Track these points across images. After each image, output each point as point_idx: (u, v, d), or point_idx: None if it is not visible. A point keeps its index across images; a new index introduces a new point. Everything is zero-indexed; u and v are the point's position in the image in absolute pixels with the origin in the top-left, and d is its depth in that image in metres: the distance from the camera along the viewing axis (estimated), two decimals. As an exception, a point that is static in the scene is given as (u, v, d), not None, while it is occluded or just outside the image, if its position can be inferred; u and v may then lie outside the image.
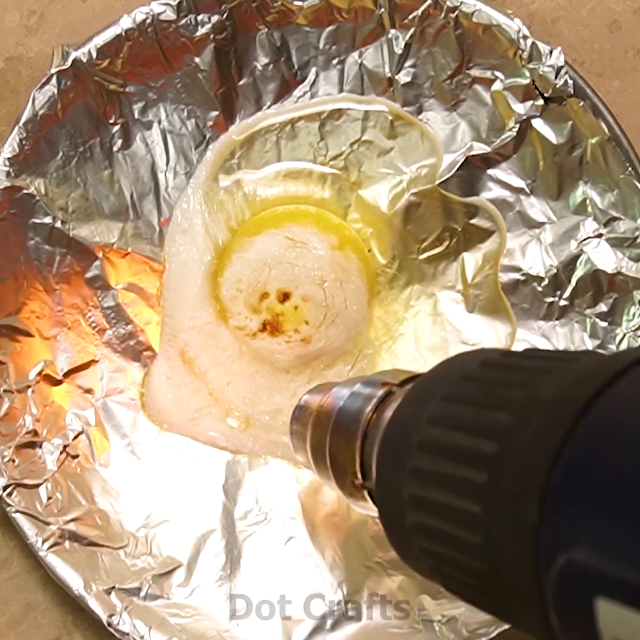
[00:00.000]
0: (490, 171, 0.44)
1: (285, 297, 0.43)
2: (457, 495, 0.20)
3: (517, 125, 0.42)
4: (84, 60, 0.41)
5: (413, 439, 0.23)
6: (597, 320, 0.42)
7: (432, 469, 0.22)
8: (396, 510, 0.24)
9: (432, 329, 0.45)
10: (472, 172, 0.44)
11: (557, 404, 0.18)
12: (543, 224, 0.43)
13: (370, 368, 0.45)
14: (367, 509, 0.31)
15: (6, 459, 0.41)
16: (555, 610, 0.17)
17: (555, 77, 0.41)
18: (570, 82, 0.41)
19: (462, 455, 0.20)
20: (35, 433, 0.42)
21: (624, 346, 0.42)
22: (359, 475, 0.29)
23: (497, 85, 0.42)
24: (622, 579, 0.15)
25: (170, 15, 0.42)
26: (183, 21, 0.42)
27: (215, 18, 0.42)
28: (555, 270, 0.43)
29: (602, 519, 0.16)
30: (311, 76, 0.45)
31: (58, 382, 0.43)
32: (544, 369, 0.20)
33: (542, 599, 0.17)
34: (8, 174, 0.41)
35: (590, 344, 0.42)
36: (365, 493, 0.30)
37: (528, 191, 0.43)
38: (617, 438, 0.16)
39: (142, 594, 0.40)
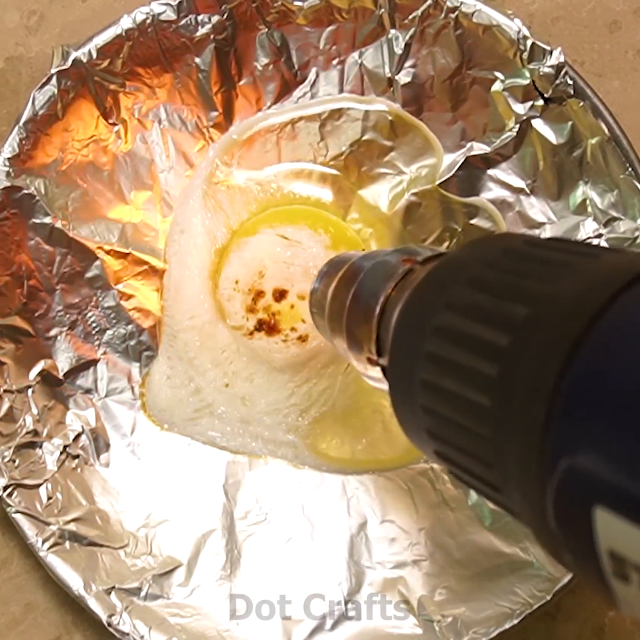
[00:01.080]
0: (490, 171, 0.44)
1: (281, 295, 0.43)
2: (468, 385, 0.20)
3: (517, 126, 0.42)
4: (84, 60, 0.41)
5: (429, 323, 0.22)
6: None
7: (445, 356, 0.21)
8: (407, 391, 0.23)
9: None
10: (472, 172, 0.44)
11: (574, 302, 0.17)
12: (543, 224, 0.43)
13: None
14: (380, 385, 0.30)
15: (6, 459, 0.41)
16: (555, 514, 0.17)
17: (555, 78, 0.41)
18: (570, 82, 0.41)
19: (476, 346, 0.20)
20: (35, 433, 0.42)
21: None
22: (374, 352, 0.29)
23: (497, 86, 0.42)
24: (621, 489, 0.15)
25: (170, 15, 0.42)
26: (183, 21, 0.42)
27: (215, 18, 0.42)
28: (555, 271, 0.43)
29: (608, 427, 0.15)
30: (311, 76, 0.45)
31: (58, 382, 0.43)
32: (565, 263, 0.19)
33: (543, 501, 0.17)
34: (8, 174, 0.41)
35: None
36: (379, 369, 0.29)
37: (528, 191, 0.43)
38: (634, 344, 0.16)
39: (142, 593, 0.40)
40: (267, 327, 0.43)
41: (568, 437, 0.16)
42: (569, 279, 0.18)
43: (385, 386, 0.29)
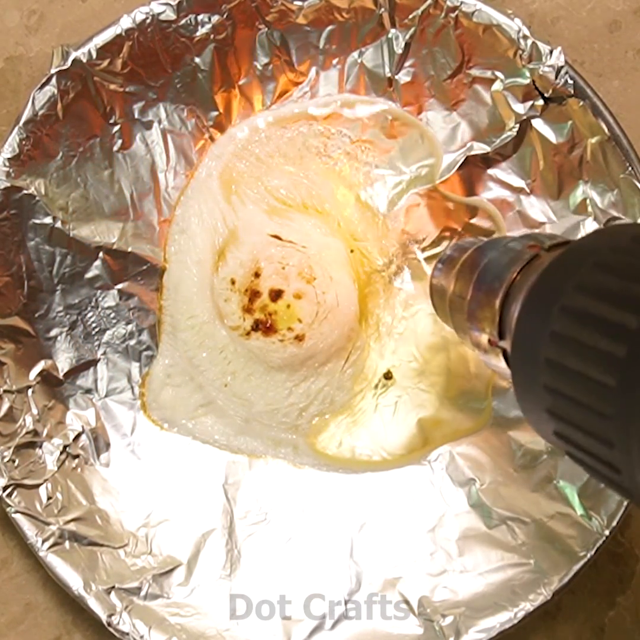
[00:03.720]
0: (490, 171, 0.44)
1: (277, 295, 0.43)
2: (594, 365, 0.20)
3: (517, 125, 0.42)
4: (84, 60, 0.41)
5: (557, 304, 0.23)
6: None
7: (572, 336, 0.22)
8: (530, 372, 0.24)
9: (433, 328, 0.45)
10: (472, 172, 0.44)
11: None
12: (543, 223, 0.43)
13: (362, 361, 0.45)
14: (498, 366, 0.30)
15: (6, 459, 0.41)
16: None
17: (556, 77, 0.41)
18: (570, 82, 0.41)
19: (604, 327, 0.20)
20: (35, 433, 0.42)
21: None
22: (496, 334, 0.29)
23: (497, 85, 0.42)
24: None
25: (170, 15, 0.42)
26: (183, 21, 0.42)
27: (215, 18, 0.42)
28: (555, 270, 0.43)
29: None
30: (311, 76, 0.45)
31: (58, 382, 0.43)
32: None
33: None
34: (8, 174, 0.41)
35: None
36: (500, 352, 0.29)
37: (528, 191, 0.43)
38: None
39: (142, 593, 0.40)
40: (264, 327, 0.43)
41: None
42: None
43: (502, 366, 0.29)
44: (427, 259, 0.45)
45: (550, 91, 0.41)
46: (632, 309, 0.20)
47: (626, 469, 0.19)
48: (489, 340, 0.30)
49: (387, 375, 0.45)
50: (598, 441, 0.21)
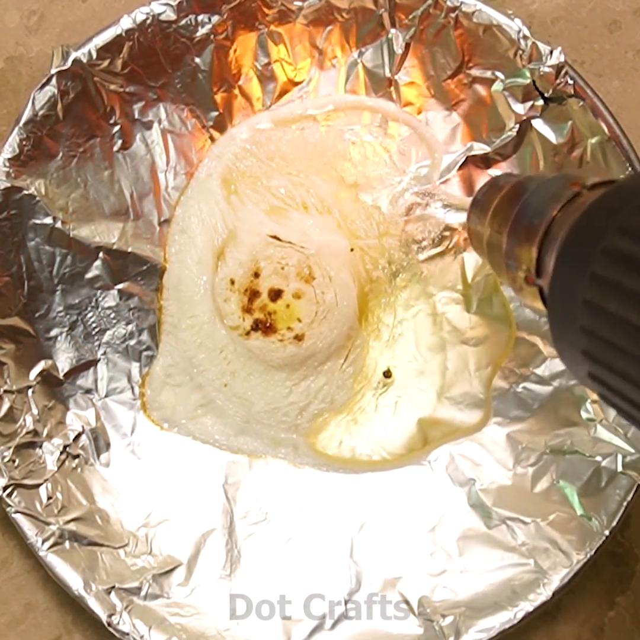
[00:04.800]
0: (490, 171, 0.44)
1: (276, 295, 0.43)
2: (635, 310, 0.20)
3: (517, 125, 0.42)
4: (84, 60, 0.41)
5: (598, 245, 0.22)
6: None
7: (613, 278, 0.21)
8: (567, 312, 0.24)
9: (432, 328, 0.45)
10: (472, 172, 0.44)
11: None
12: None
13: (362, 359, 0.45)
14: (534, 306, 0.30)
15: (6, 459, 0.41)
16: None
17: (556, 77, 0.41)
18: (570, 82, 0.41)
19: None
20: (35, 433, 0.42)
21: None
22: (534, 271, 0.29)
23: (497, 85, 0.42)
24: None
25: (170, 15, 0.42)
26: (183, 21, 0.42)
27: (215, 18, 0.42)
28: (555, 270, 0.43)
29: None
30: (311, 76, 0.45)
31: (58, 382, 0.43)
32: None
33: None
34: (8, 174, 0.41)
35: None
36: (537, 291, 0.29)
37: (528, 191, 0.43)
38: None
39: (142, 593, 0.40)
40: (264, 327, 0.43)
41: None
42: None
43: (538, 305, 0.29)
44: (427, 259, 0.45)
45: (550, 91, 0.41)
46: None
47: None
48: (526, 278, 0.29)
49: (387, 374, 0.45)
50: (634, 386, 0.20)
